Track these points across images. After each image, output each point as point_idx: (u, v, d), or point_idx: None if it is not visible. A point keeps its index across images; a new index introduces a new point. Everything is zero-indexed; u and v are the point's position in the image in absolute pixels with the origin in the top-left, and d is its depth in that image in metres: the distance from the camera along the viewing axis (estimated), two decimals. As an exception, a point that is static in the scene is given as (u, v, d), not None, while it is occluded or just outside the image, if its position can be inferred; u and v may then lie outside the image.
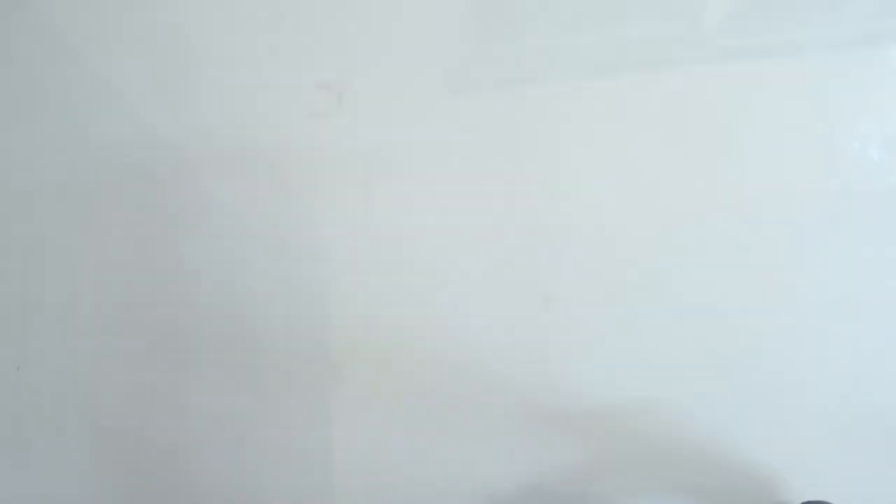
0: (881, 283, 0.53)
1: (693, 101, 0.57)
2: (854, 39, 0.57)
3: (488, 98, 0.58)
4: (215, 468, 0.51)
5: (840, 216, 0.55)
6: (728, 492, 0.51)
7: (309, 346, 0.53)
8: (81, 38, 0.56)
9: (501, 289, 0.54)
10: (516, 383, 0.52)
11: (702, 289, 0.53)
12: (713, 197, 0.55)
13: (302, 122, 0.57)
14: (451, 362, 0.52)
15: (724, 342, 0.52)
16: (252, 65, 0.58)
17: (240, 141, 0.57)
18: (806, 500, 0.49)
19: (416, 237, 0.55)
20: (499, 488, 0.50)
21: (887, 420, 0.51)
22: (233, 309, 0.53)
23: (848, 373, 0.52)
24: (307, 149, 0.57)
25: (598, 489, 0.50)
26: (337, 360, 0.52)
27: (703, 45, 0.58)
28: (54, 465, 0.51)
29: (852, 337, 0.52)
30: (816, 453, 0.51)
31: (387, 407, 0.52)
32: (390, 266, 0.54)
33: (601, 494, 0.51)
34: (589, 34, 0.59)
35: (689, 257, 0.54)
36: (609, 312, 0.53)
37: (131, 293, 0.54)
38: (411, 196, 0.56)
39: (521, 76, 0.58)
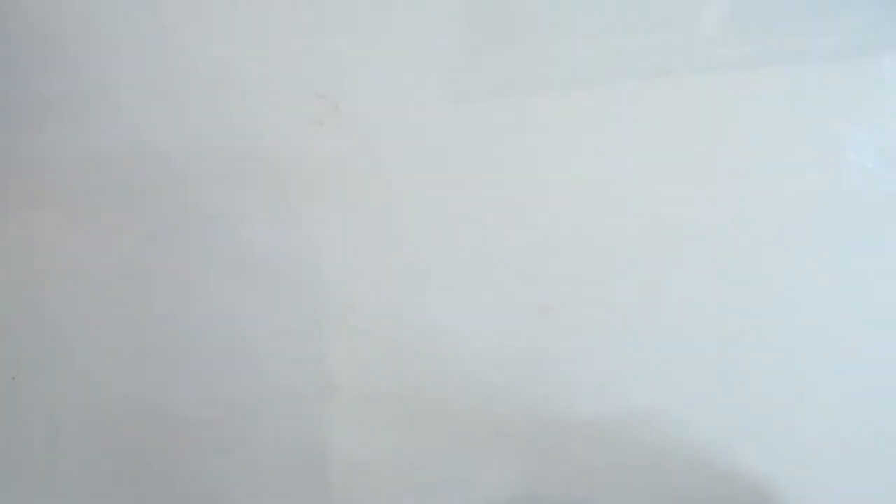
0: (878, 292, 0.53)
1: (689, 110, 0.57)
2: (849, 48, 0.58)
3: (485, 107, 0.58)
4: (211, 478, 0.51)
5: (836, 224, 0.55)
6: (725, 501, 0.50)
7: (304, 353, 0.53)
8: (78, 45, 0.56)
9: (498, 298, 0.54)
10: (512, 393, 0.52)
11: (698, 298, 0.53)
12: (710, 206, 0.55)
13: (299, 131, 0.57)
14: (446, 371, 0.52)
15: (721, 351, 0.52)
16: (249, 73, 0.58)
17: (237, 149, 0.57)
18: None
19: (413, 246, 0.55)
20: (495, 498, 0.50)
21: (886, 430, 0.51)
22: (229, 316, 0.53)
23: (845, 381, 0.52)
24: (304, 158, 0.57)
25: (595, 498, 0.50)
26: (332, 368, 0.52)
27: (700, 54, 0.58)
28: (50, 475, 0.51)
29: (850, 345, 0.52)
30: (814, 462, 0.51)
31: (382, 416, 0.51)
32: (386, 275, 0.54)
33: (598, 504, 0.50)
34: (586, 43, 0.59)
35: (685, 266, 0.54)
36: (606, 322, 0.53)
37: (127, 301, 0.54)
38: (408, 205, 0.56)
39: (518, 85, 0.58)
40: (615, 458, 0.51)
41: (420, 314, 0.53)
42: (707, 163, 0.56)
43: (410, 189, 0.56)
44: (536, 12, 0.59)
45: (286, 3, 0.59)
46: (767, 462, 0.50)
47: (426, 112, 0.58)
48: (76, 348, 0.53)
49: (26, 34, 0.55)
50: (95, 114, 0.57)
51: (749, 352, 0.52)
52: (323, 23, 0.59)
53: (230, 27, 0.58)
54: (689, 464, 0.50)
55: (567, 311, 0.53)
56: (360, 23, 0.60)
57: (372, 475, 0.50)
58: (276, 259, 0.55)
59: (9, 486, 0.51)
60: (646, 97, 0.58)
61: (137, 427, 0.52)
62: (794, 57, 0.58)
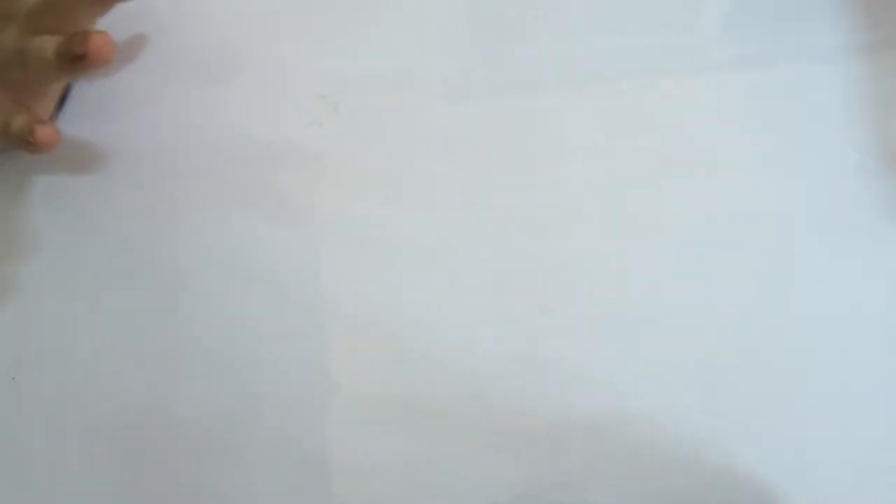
0: (878, 292, 0.53)
1: (689, 110, 0.57)
2: (849, 48, 0.58)
3: (485, 108, 0.58)
4: (211, 477, 0.51)
5: (836, 225, 0.55)
6: (725, 501, 0.50)
7: (304, 353, 0.53)
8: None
9: (498, 298, 0.54)
10: (513, 392, 0.52)
11: (699, 298, 0.53)
12: (709, 206, 0.55)
13: (299, 131, 0.57)
14: (446, 371, 0.52)
15: (721, 353, 0.52)
16: (248, 73, 0.58)
17: (236, 149, 0.57)
18: None
19: (413, 246, 0.55)
20: (495, 498, 0.50)
21: (887, 430, 0.51)
22: (229, 316, 0.53)
23: (845, 381, 0.52)
24: (304, 158, 0.57)
25: (595, 498, 0.50)
26: (332, 368, 0.52)
27: (700, 54, 0.58)
28: (50, 476, 0.51)
29: (850, 345, 0.52)
30: (814, 462, 0.51)
31: (382, 416, 0.51)
32: (386, 275, 0.54)
33: None
34: (585, 44, 0.59)
35: (685, 266, 0.54)
36: (607, 322, 0.53)
37: (126, 300, 0.54)
38: (408, 205, 0.56)
39: (519, 85, 0.58)
40: (615, 458, 0.51)
41: (420, 314, 0.53)
42: (707, 163, 0.56)
43: (410, 189, 0.56)
44: (536, 12, 0.59)
45: (286, 3, 0.59)
46: (767, 462, 0.50)
47: (427, 112, 0.58)
48: (76, 348, 0.53)
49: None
50: (92, 111, 0.57)
51: (749, 352, 0.52)
52: (323, 23, 0.60)
53: (229, 27, 0.58)
54: (689, 464, 0.50)
55: (567, 311, 0.53)
56: (360, 23, 0.60)
57: (371, 475, 0.50)
58: (275, 259, 0.55)
59: (9, 486, 0.51)
60: (646, 98, 0.58)
61: (137, 426, 0.52)
62: (793, 57, 0.58)
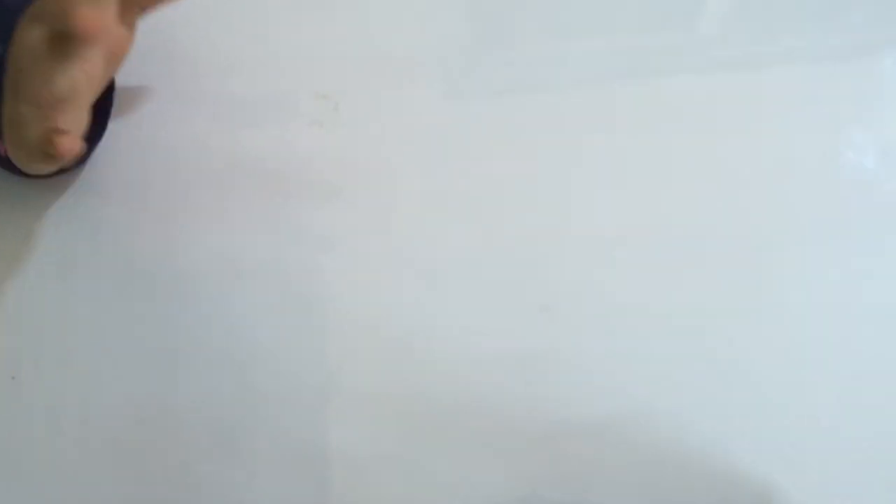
0: (878, 292, 0.54)
1: (690, 110, 0.57)
2: (849, 48, 0.58)
3: (486, 107, 0.58)
4: (211, 477, 0.51)
5: (836, 226, 0.55)
6: (725, 501, 0.50)
7: (304, 353, 0.53)
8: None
9: (498, 298, 0.54)
10: (513, 392, 0.52)
11: (699, 298, 0.54)
12: (709, 206, 0.55)
13: (299, 131, 0.57)
14: (447, 371, 0.52)
15: (722, 351, 0.52)
16: (248, 74, 0.58)
17: (236, 149, 0.57)
18: None
19: (413, 246, 0.55)
20: (495, 498, 0.50)
21: (886, 430, 0.51)
22: (229, 316, 0.53)
23: (845, 381, 0.52)
24: (304, 158, 0.57)
25: (595, 498, 0.50)
26: (332, 368, 0.52)
27: (700, 55, 0.58)
28: (50, 475, 0.51)
29: (850, 345, 0.52)
30: (814, 462, 0.51)
31: (381, 415, 0.51)
32: (386, 274, 0.54)
33: (597, 504, 0.50)
34: (586, 44, 0.59)
35: (685, 266, 0.54)
36: (606, 322, 0.53)
37: (127, 300, 0.54)
38: (408, 205, 0.56)
39: (519, 85, 0.58)
40: (615, 458, 0.50)
41: (420, 314, 0.53)
42: (707, 163, 0.56)
43: (410, 189, 0.56)
44: (536, 12, 0.59)
45: (286, 3, 0.59)
46: (767, 462, 0.50)
47: (426, 112, 0.58)
48: (76, 348, 0.53)
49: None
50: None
51: (749, 351, 0.53)
52: (323, 23, 0.60)
53: (230, 27, 0.58)
54: (689, 464, 0.50)
55: (567, 310, 0.53)
56: (359, 23, 0.60)
57: (371, 474, 0.50)
58: (275, 259, 0.55)
59: (9, 486, 0.51)
60: (648, 98, 0.58)
61: (137, 426, 0.52)
62: (794, 57, 0.58)
